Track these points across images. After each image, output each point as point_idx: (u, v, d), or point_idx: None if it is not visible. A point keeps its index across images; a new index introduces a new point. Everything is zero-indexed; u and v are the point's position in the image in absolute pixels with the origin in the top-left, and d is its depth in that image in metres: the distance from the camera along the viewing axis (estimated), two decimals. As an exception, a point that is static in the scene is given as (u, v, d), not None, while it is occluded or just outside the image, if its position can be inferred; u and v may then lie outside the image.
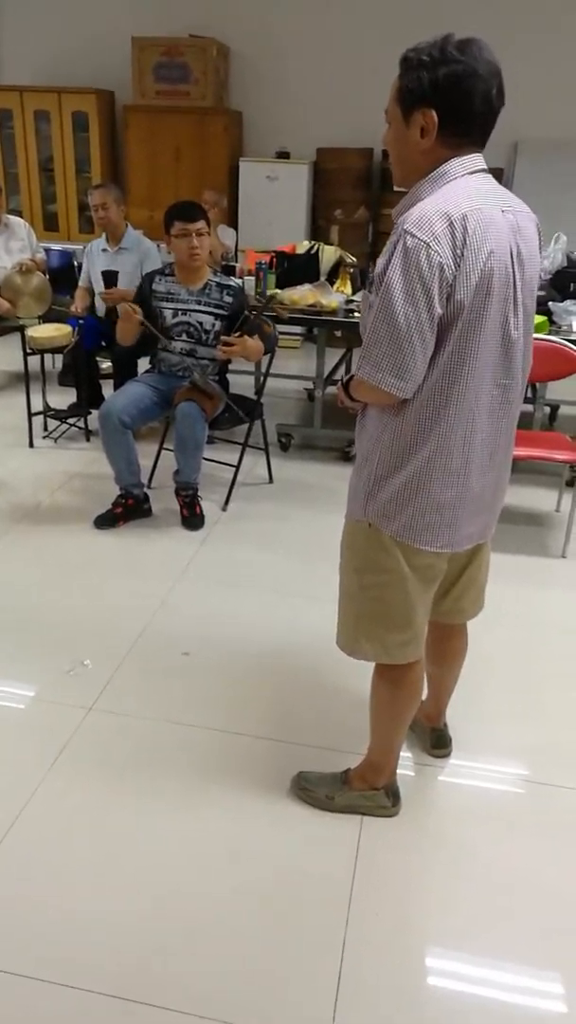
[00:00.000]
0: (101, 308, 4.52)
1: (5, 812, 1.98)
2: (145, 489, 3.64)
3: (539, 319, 3.92)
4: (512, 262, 1.53)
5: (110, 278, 4.20)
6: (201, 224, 3.39)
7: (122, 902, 1.78)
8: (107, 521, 3.51)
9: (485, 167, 1.56)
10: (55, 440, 4.48)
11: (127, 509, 3.55)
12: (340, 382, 1.76)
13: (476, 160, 1.55)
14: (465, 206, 1.46)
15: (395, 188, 1.62)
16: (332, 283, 4.42)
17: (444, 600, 1.93)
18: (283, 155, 6.66)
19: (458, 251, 1.45)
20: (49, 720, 2.32)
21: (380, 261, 1.52)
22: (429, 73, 1.47)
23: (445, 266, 1.44)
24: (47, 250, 5.45)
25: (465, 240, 1.45)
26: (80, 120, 6.72)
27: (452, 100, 1.47)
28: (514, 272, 1.54)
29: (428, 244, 1.43)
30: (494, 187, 1.56)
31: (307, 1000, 1.59)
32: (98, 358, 4.58)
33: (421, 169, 1.54)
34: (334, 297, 4.20)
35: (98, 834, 1.95)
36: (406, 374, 1.51)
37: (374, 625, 1.79)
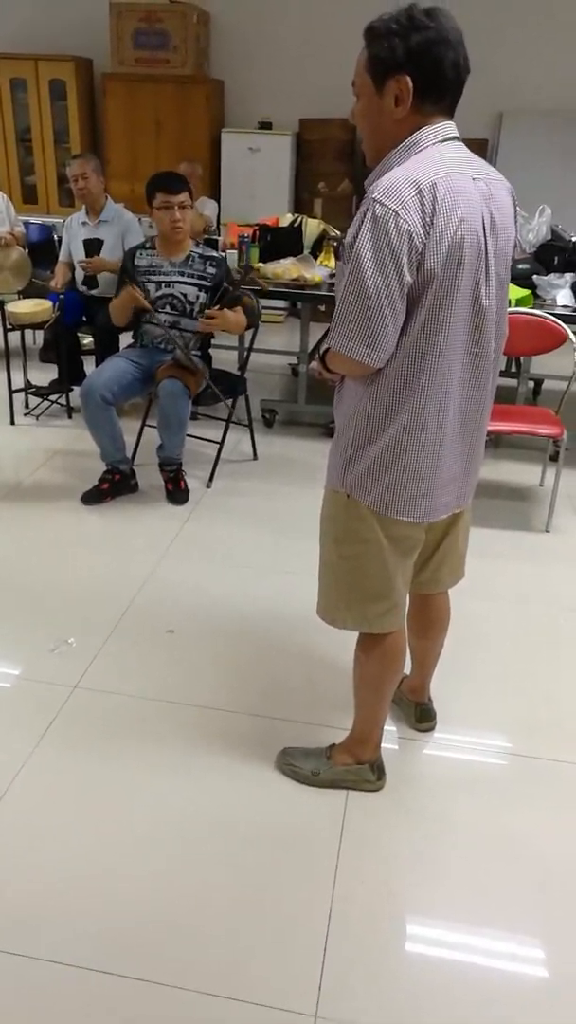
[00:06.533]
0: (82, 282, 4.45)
1: (-10, 791, 1.99)
2: (131, 465, 3.62)
3: (523, 293, 3.90)
4: (484, 230, 1.52)
5: (93, 246, 4.12)
6: (184, 196, 3.35)
7: (106, 876, 1.78)
8: (94, 497, 3.49)
9: (457, 135, 1.55)
10: (36, 417, 4.44)
11: (114, 484, 3.53)
12: (316, 354, 1.76)
13: (448, 128, 1.53)
14: (435, 174, 1.45)
15: (368, 165, 1.60)
16: (316, 257, 4.38)
17: (423, 571, 1.93)
18: (265, 125, 6.55)
19: (427, 219, 1.44)
20: (34, 698, 2.31)
21: (350, 231, 1.51)
22: (401, 40, 1.46)
23: (414, 234, 1.44)
24: (26, 224, 5.35)
25: (435, 208, 1.44)
26: (58, 88, 6.56)
27: (425, 66, 1.46)
28: (486, 240, 1.53)
29: (397, 212, 1.42)
30: (465, 155, 1.54)
31: (293, 970, 1.60)
32: (79, 334, 4.52)
33: (395, 139, 1.52)
34: (318, 271, 4.16)
35: (83, 810, 1.95)
36: (377, 344, 1.51)
37: (353, 595, 1.80)
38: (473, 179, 1.51)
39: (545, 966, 1.65)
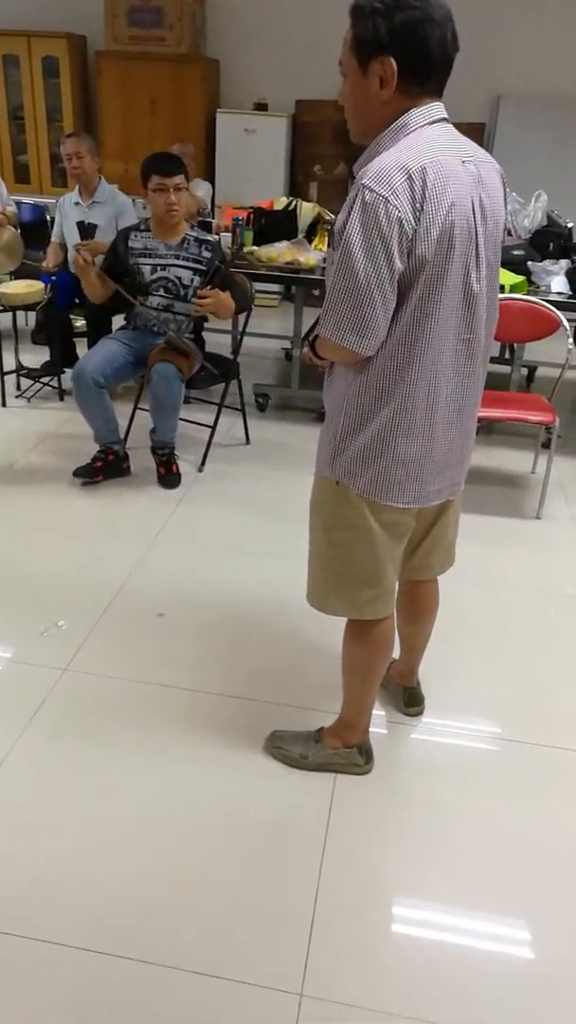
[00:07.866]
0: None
1: (-20, 772, 1.99)
2: (125, 448, 3.61)
3: (518, 279, 3.89)
4: (474, 214, 1.51)
5: (87, 230, 4.09)
6: (179, 179, 3.32)
7: (97, 856, 1.79)
8: (86, 473, 3.47)
9: (446, 116, 1.53)
10: (28, 400, 4.41)
11: (107, 464, 3.52)
12: (306, 340, 1.75)
13: (436, 109, 1.51)
14: (424, 158, 1.43)
15: (352, 142, 1.58)
16: (310, 240, 4.35)
17: (413, 557, 1.94)
18: (261, 107, 6.49)
19: (417, 205, 1.43)
20: (24, 681, 2.31)
21: (339, 217, 1.49)
22: (385, 20, 1.43)
23: (404, 220, 1.42)
24: (18, 203, 5.29)
25: (424, 193, 1.42)
26: (51, 66, 6.48)
27: (410, 47, 1.44)
28: (476, 224, 1.52)
29: (386, 199, 1.41)
30: (455, 137, 1.53)
31: (280, 949, 1.62)
32: (72, 316, 4.49)
33: (382, 121, 1.50)
34: (312, 255, 4.14)
35: (73, 791, 1.96)
36: (367, 331, 1.50)
37: (344, 581, 1.80)
38: (463, 162, 1.50)
39: (531, 947, 1.67)
